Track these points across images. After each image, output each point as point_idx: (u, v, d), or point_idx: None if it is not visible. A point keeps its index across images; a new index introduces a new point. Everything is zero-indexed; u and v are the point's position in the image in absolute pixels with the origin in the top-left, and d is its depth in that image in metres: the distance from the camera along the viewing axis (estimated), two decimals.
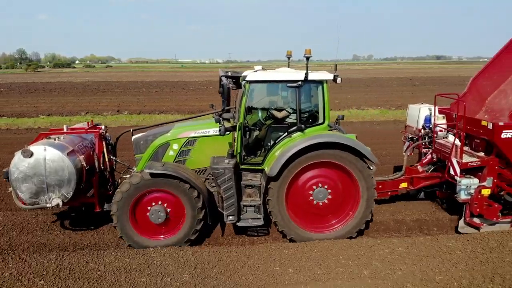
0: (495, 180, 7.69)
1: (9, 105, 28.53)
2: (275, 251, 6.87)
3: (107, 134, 8.47)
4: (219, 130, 7.25)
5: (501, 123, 7.45)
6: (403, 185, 8.71)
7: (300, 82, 7.24)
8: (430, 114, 8.89)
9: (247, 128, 7.56)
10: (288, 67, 8.76)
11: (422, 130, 9.01)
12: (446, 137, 8.63)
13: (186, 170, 7.49)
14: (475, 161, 7.68)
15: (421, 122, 9.05)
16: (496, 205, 7.81)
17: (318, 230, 7.66)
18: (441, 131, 8.69)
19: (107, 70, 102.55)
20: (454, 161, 7.75)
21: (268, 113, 8.20)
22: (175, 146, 7.87)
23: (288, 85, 7.34)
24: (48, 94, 37.04)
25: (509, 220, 8.07)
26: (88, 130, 8.26)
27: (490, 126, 7.54)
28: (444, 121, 8.76)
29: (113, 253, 6.73)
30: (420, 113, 9.07)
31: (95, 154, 7.87)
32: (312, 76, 7.36)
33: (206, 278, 6.07)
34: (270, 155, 7.52)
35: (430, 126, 8.81)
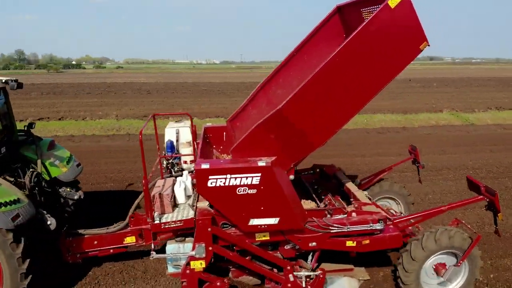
0: (210, 248, 4.93)
1: None
2: None
3: None
4: None
5: (205, 165, 4.42)
6: (130, 239, 6.00)
7: None
8: (178, 138, 6.19)
9: None
10: None
11: (164, 161, 6.32)
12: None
13: None
14: (174, 222, 4.90)
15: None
16: (218, 283, 5.08)
17: None
18: (185, 163, 6.00)
19: (121, 71, 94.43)
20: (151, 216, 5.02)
21: None
22: None
23: None
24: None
25: None
26: None
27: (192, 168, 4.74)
28: (190, 149, 6.03)
29: None
30: (165, 135, 6.39)
31: None
32: None
33: None
34: None
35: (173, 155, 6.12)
